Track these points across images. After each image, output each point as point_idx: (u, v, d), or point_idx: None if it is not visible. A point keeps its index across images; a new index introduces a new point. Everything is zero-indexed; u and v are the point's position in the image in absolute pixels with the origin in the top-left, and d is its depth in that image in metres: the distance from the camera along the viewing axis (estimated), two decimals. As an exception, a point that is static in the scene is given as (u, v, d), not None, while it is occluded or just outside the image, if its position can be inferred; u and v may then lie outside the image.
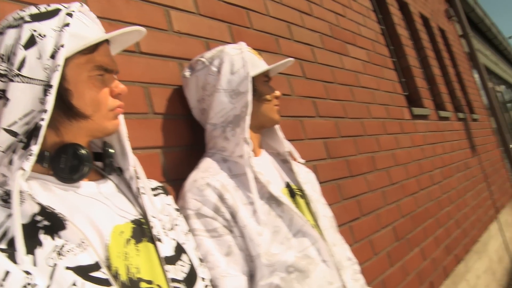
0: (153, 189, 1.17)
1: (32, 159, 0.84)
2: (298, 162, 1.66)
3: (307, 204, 1.51)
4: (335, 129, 2.66)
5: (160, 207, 1.13)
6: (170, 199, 1.22)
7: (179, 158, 1.60)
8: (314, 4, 3.05)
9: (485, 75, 8.15)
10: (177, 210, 1.25)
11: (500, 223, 6.07)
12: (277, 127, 1.66)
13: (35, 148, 0.85)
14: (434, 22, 6.68)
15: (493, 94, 9.11)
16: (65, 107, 0.93)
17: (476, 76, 8.35)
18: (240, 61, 1.48)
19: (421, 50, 5.51)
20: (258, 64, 1.53)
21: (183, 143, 1.64)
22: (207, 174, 1.38)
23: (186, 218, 1.30)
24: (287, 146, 1.64)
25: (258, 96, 1.52)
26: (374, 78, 3.55)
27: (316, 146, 2.40)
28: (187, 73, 1.57)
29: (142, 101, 1.55)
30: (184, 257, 1.08)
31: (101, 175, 1.05)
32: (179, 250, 1.07)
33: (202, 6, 2.02)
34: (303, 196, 1.53)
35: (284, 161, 1.64)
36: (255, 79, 1.51)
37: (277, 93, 1.59)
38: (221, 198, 1.32)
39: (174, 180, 1.53)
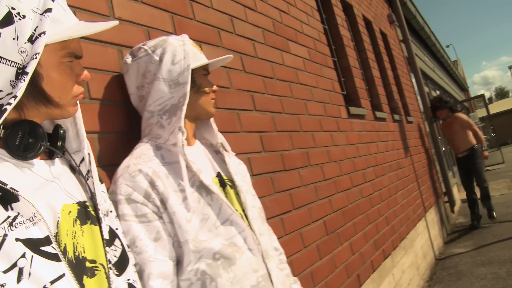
0: None
1: None
2: (230, 154, 1.71)
3: (237, 194, 1.56)
4: (272, 124, 2.72)
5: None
6: (103, 186, 1.24)
7: (114, 144, 1.61)
8: (258, 0, 3.09)
9: (422, 79, 8.49)
10: (109, 195, 1.29)
11: (427, 221, 6.37)
12: (211, 119, 1.70)
13: None
14: (377, 25, 6.89)
15: (429, 98, 9.49)
16: (35, 91, 0.94)
17: (414, 80, 8.69)
18: (182, 52, 1.51)
19: (362, 52, 5.69)
20: (199, 57, 1.57)
21: (118, 129, 1.65)
22: (139, 161, 1.40)
23: (117, 203, 1.32)
24: (220, 138, 1.68)
25: (197, 88, 1.56)
26: (313, 76, 3.64)
27: (252, 139, 2.45)
28: (128, 59, 1.58)
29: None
30: (117, 241, 1.11)
31: (48, 155, 1.06)
32: (113, 235, 1.11)
33: (145, -7, 2.02)
34: (233, 186, 1.57)
35: (217, 152, 1.68)
36: (194, 71, 1.54)
37: (215, 87, 1.64)
38: (152, 184, 1.35)
39: (107, 166, 1.53)
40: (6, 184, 0.85)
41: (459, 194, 10.29)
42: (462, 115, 7.60)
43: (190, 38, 2.14)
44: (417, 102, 8.59)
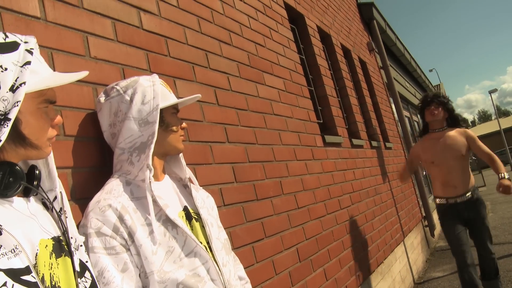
0: None
1: None
2: (197, 188, 1.81)
3: (202, 227, 1.65)
4: (244, 155, 2.81)
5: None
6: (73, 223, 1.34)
7: (87, 179, 1.68)
8: (234, 34, 3.21)
9: (401, 105, 8.67)
10: (80, 228, 1.40)
11: (406, 245, 6.46)
12: (181, 154, 1.80)
13: None
14: (356, 53, 7.06)
15: (407, 122, 9.66)
16: (15, 135, 1.04)
17: (393, 106, 8.87)
18: (151, 92, 1.61)
19: (340, 80, 5.83)
20: (168, 97, 1.67)
21: (91, 164, 1.73)
22: (110, 196, 1.49)
23: (87, 236, 1.40)
24: (188, 173, 1.78)
25: (165, 126, 1.67)
26: (288, 106, 3.75)
27: (224, 170, 2.54)
28: (102, 98, 1.68)
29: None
30: (87, 273, 1.20)
31: (23, 193, 1.15)
32: (83, 267, 1.20)
33: (121, 33, 2.11)
34: (199, 219, 1.66)
35: (185, 186, 1.77)
36: (163, 110, 1.66)
37: (184, 124, 1.75)
38: (121, 219, 1.43)
39: (79, 199, 1.61)
40: None
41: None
42: (469, 131, 4.40)
43: (164, 74, 2.26)
44: (396, 128, 8.75)
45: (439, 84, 30.03)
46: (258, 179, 2.87)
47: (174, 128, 1.71)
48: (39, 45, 1.65)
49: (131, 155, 1.57)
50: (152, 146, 1.54)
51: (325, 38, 5.73)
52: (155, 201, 1.52)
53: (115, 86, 1.66)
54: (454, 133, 4.29)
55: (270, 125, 3.29)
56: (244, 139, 2.87)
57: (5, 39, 1.04)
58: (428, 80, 17.33)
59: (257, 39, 3.57)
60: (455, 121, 4.41)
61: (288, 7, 4.60)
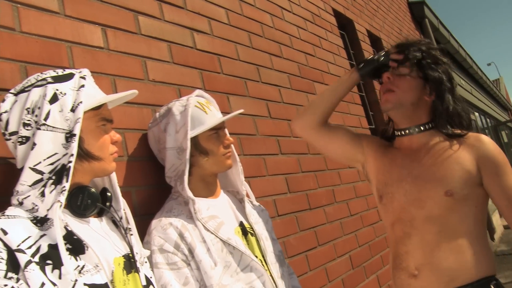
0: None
1: (66, 193, 1.10)
2: (252, 202, 1.90)
3: (258, 241, 1.74)
4: (297, 165, 2.88)
5: None
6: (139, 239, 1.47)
7: (148, 196, 1.81)
8: (284, 46, 3.28)
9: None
10: (144, 245, 1.53)
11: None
12: (240, 169, 1.86)
13: (67, 185, 1.11)
14: (407, 54, 6.96)
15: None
16: (79, 151, 1.20)
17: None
18: (181, 120, 1.67)
19: (392, 83, 5.76)
20: (202, 121, 1.69)
21: (151, 182, 1.85)
22: (170, 215, 1.60)
23: (151, 252, 1.52)
24: (245, 189, 1.86)
25: (200, 151, 1.70)
26: (340, 114, 3.78)
27: (277, 181, 2.62)
28: (149, 125, 1.80)
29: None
30: (150, 287, 1.32)
31: (97, 213, 1.30)
32: (148, 282, 1.32)
33: (176, 54, 2.23)
34: (254, 234, 1.75)
35: (240, 201, 1.86)
36: (198, 136, 1.68)
37: (227, 141, 1.75)
38: (181, 236, 1.54)
39: (143, 215, 1.73)
40: (80, 236, 1.11)
41: (500, 220, 10.11)
42: (487, 141, 1.67)
43: (218, 92, 2.34)
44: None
45: (498, 79, 28.96)
46: (310, 189, 2.93)
47: (212, 151, 1.71)
48: (103, 73, 1.81)
49: (176, 184, 1.67)
50: (186, 176, 1.61)
51: (375, 41, 5.70)
52: (205, 227, 1.59)
53: (156, 113, 1.77)
54: (444, 142, 1.72)
55: (321, 134, 3.33)
56: (297, 149, 2.95)
57: (63, 72, 1.22)
58: (485, 76, 16.80)
59: (307, 49, 3.63)
60: (441, 117, 1.73)
61: (337, 14, 4.62)
